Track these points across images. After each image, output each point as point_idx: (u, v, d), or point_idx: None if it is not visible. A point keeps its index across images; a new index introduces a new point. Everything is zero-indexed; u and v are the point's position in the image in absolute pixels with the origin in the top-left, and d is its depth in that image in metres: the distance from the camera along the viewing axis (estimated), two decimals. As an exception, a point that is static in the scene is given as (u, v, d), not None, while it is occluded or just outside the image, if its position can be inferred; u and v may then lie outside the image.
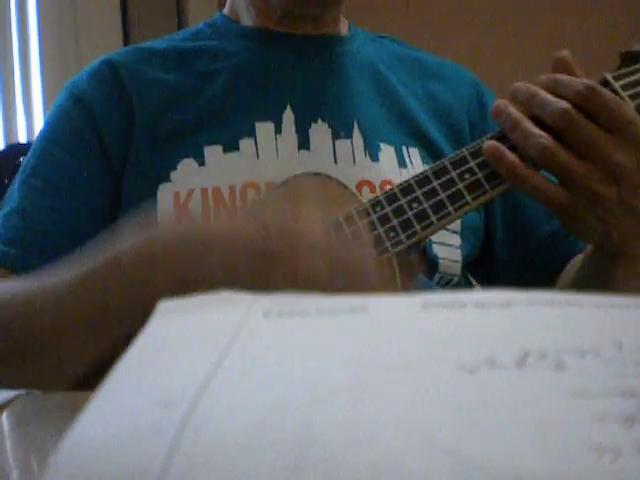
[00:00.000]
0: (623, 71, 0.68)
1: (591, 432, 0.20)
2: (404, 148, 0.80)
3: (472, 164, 0.66)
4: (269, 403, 0.21)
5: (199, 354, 0.25)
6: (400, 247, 0.64)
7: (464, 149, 0.67)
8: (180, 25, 2.43)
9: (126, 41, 2.38)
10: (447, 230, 0.76)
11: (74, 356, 0.55)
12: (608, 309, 0.27)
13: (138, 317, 0.52)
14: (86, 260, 0.54)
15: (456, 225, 0.77)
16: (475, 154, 0.66)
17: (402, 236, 0.64)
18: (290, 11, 0.81)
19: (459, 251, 0.78)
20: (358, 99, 0.82)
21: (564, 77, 0.64)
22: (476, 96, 0.88)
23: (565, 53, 0.67)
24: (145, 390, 0.23)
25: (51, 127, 0.81)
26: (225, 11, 0.89)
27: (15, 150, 0.84)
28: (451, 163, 0.66)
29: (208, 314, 0.28)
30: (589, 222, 0.64)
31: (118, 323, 0.52)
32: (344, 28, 0.88)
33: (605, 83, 0.66)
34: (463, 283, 0.82)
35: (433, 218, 0.64)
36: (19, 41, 2.27)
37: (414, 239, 0.64)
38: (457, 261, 0.78)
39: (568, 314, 0.27)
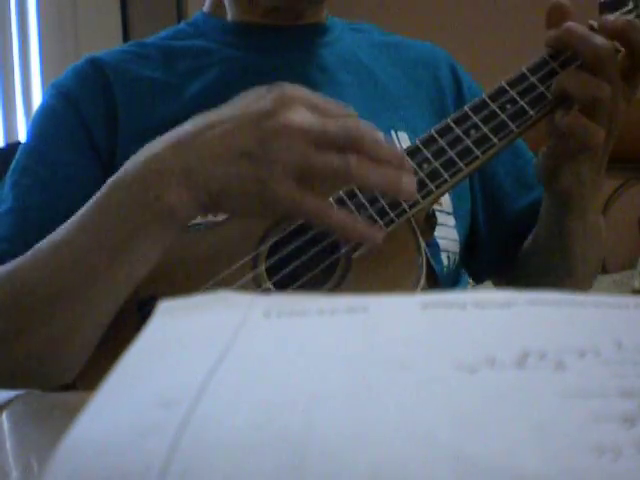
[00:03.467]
0: (604, 18, 0.69)
1: (591, 432, 0.20)
2: (392, 132, 0.81)
3: (476, 120, 0.66)
4: (269, 403, 0.21)
5: (199, 354, 0.25)
6: (417, 207, 0.64)
7: (465, 107, 0.68)
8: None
9: (126, 41, 2.38)
10: (441, 211, 0.77)
11: (95, 299, 0.59)
12: (608, 309, 0.27)
13: (155, 234, 0.57)
14: (88, 202, 0.60)
15: (448, 206, 0.79)
16: (475, 110, 0.67)
17: (418, 196, 0.64)
18: (276, 6, 0.82)
19: (455, 230, 0.80)
20: (342, 88, 0.82)
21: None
22: (452, 76, 0.90)
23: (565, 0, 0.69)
24: (145, 390, 0.23)
25: (39, 125, 0.81)
26: (205, 8, 0.90)
27: (15, 148, 0.84)
28: (454, 121, 0.67)
29: (208, 314, 0.28)
30: (566, 173, 0.69)
31: (136, 247, 0.58)
32: (324, 16, 0.89)
33: (592, 29, 0.67)
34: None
35: (446, 175, 0.65)
36: (19, 41, 2.27)
37: (429, 198, 0.65)
38: (455, 240, 0.80)
39: (568, 314, 0.27)
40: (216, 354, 0.24)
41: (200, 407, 0.21)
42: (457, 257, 0.80)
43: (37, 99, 2.29)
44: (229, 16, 0.86)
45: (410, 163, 0.63)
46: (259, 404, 0.21)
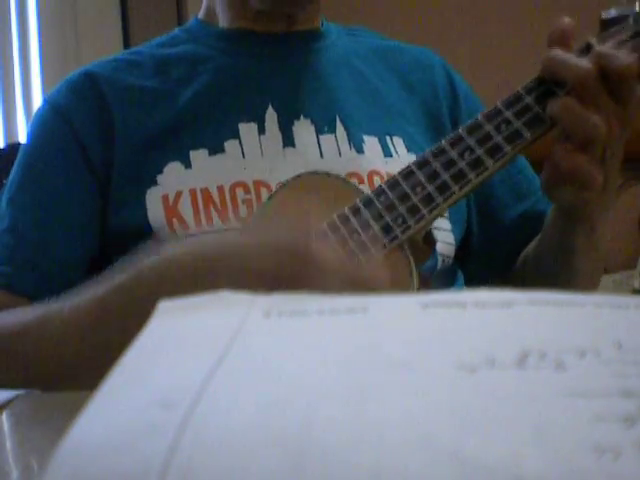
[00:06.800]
0: (605, 34, 0.69)
1: (591, 432, 0.20)
2: (388, 138, 0.81)
3: (470, 142, 0.66)
4: (269, 403, 0.21)
5: (199, 354, 0.25)
6: (409, 233, 0.64)
7: (460, 128, 0.67)
8: (180, 25, 2.42)
9: (126, 41, 2.37)
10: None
11: (88, 379, 0.56)
12: (608, 309, 0.27)
13: None
14: (101, 285, 0.55)
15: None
16: (471, 131, 0.66)
17: (411, 222, 0.64)
18: (264, 10, 0.81)
19: (451, 234, 0.80)
20: (337, 94, 0.83)
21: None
22: (448, 82, 0.90)
23: (568, 21, 0.67)
24: (145, 390, 0.23)
25: (33, 142, 0.81)
26: (200, 15, 0.90)
27: (15, 149, 0.84)
28: (449, 143, 0.66)
29: (208, 314, 0.28)
30: (569, 193, 0.67)
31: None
32: (318, 22, 0.88)
33: (589, 47, 0.67)
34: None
35: (439, 200, 0.64)
36: (19, 41, 2.27)
37: (422, 223, 0.64)
38: (451, 243, 0.80)
39: (568, 314, 0.27)
40: (216, 354, 0.24)
41: (200, 407, 0.21)
42: (450, 260, 0.81)
43: (37, 99, 2.29)
44: (221, 23, 0.86)
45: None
46: (259, 404, 0.21)
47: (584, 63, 0.63)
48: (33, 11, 2.30)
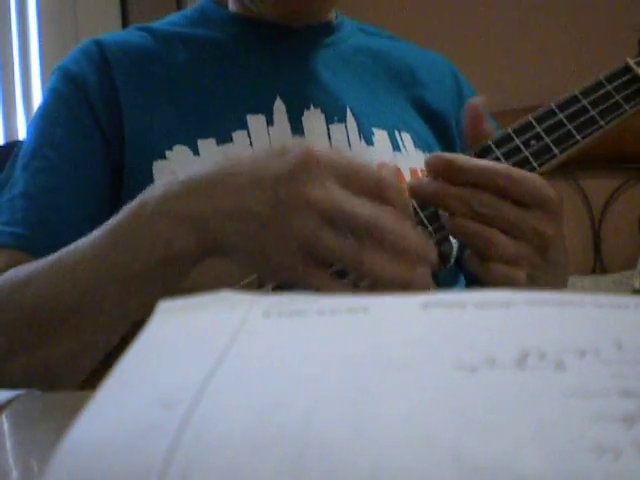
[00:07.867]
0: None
1: (591, 432, 0.20)
2: (396, 132, 0.81)
3: (498, 154, 0.65)
4: (269, 403, 0.21)
5: (199, 354, 0.25)
6: (431, 240, 0.63)
7: (489, 140, 0.65)
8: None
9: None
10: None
11: (99, 324, 0.59)
12: (608, 309, 0.27)
13: (160, 277, 0.57)
14: (106, 225, 0.59)
15: None
16: (498, 144, 0.65)
17: (430, 228, 0.63)
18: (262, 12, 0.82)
19: None
20: (348, 86, 0.83)
21: (484, 167, 0.59)
22: (456, 89, 0.90)
23: (479, 100, 0.64)
24: (145, 390, 0.23)
25: (47, 108, 0.81)
26: None
27: (15, 147, 0.85)
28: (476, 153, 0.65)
29: (208, 314, 0.28)
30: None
31: (145, 286, 0.57)
32: (332, 16, 0.89)
33: (627, 69, 0.66)
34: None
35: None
36: (19, 40, 2.28)
37: (444, 232, 0.63)
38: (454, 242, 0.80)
39: (568, 314, 0.27)
40: (216, 354, 0.24)
41: (200, 407, 0.21)
42: (455, 256, 0.81)
43: (37, 99, 2.29)
44: (230, 6, 0.86)
45: (432, 253, 0.54)
46: (259, 404, 0.21)
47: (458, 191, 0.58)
48: (33, 11, 2.30)
